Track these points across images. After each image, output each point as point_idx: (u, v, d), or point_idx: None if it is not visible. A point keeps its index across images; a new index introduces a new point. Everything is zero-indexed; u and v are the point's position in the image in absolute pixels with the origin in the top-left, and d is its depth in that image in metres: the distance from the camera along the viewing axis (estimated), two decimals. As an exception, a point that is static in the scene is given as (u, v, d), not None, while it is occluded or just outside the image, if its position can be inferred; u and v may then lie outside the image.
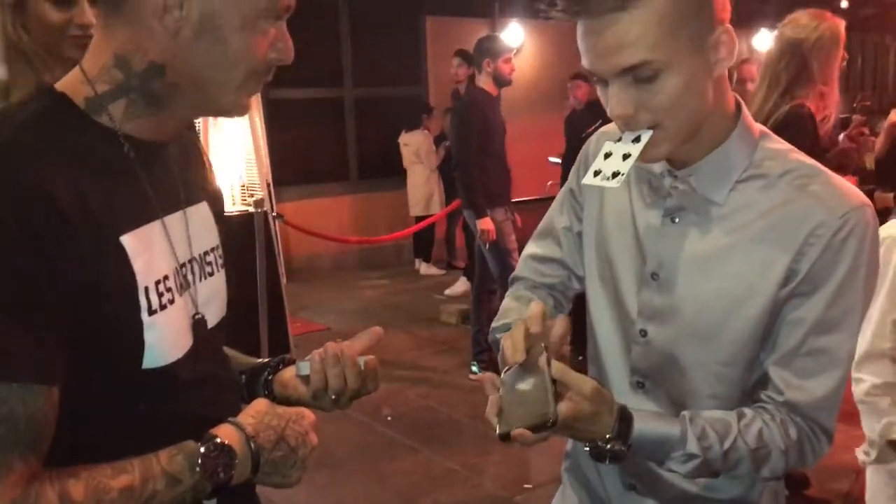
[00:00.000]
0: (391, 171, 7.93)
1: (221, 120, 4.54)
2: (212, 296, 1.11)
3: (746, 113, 1.22)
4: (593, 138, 1.41)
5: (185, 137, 1.16)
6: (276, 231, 4.78)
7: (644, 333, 1.27)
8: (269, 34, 0.97)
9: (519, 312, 1.33)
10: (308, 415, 1.06)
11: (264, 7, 0.95)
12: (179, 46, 0.94)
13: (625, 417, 1.13)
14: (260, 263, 4.45)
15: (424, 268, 8.03)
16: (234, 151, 4.64)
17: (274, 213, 4.71)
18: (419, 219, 7.49)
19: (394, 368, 5.05)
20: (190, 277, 1.06)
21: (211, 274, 1.11)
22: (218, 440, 0.96)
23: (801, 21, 2.92)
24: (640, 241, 1.27)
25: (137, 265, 0.94)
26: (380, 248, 8.06)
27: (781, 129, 2.78)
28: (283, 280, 4.97)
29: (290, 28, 1.04)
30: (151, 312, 0.96)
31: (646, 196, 1.27)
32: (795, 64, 2.87)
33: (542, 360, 1.09)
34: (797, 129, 2.76)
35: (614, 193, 1.30)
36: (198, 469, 0.94)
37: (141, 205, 0.98)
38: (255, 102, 4.49)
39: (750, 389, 1.23)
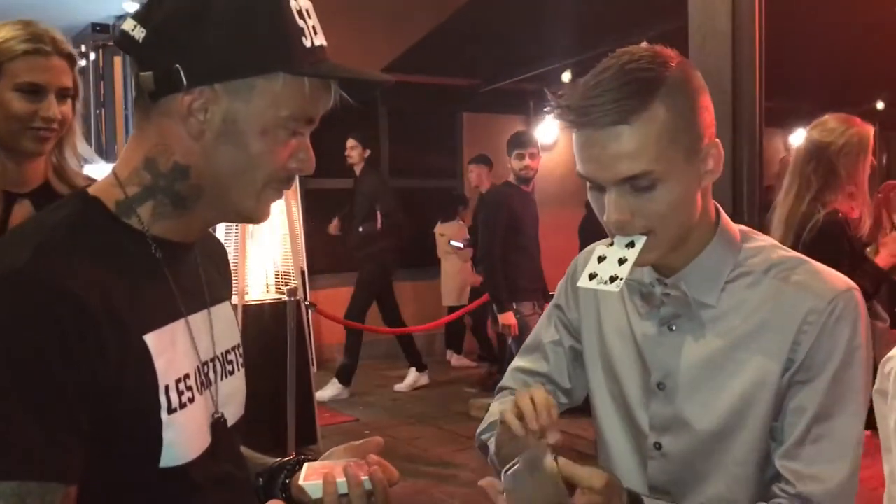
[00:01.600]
0: (426, 261, 7.97)
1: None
2: (232, 394, 1.11)
3: (725, 217, 1.27)
4: (580, 257, 1.44)
5: (210, 240, 1.19)
6: (308, 319, 4.78)
7: (659, 446, 1.26)
8: (289, 144, 0.99)
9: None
10: (354, 490, 1.03)
11: (285, 117, 0.97)
12: (203, 149, 0.97)
13: (635, 501, 1.15)
14: (290, 352, 4.44)
15: (455, 359, 7.96)
16: (271, 239, 4.70)
17: (307, 302, 4.72)
18: (451, 309, 7.48)
19: (421, 464, 4.94)
20: (211, 376, 1.06)
21: (231, 373, 1.12)
22: None
23: (829, 125, 2.96)
24: (642, 351, 1.28)
25: (159, 364, 0.95)
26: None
27: (819, 240, 2.79)
28: (314, 369, 4.95)
29: (330, 120, 1.06)
30: (171, 411, 0.96)
31: (639, 307, 1.30)
32: (823, 167, 2.90)
33: (549, 459, 1.07)
34: (833, 238, 2.81)
35: (610, 308, 1.34)
36: None
37: (166, 304, 1.00)
38: (294, 191, 4.57)
39: (765, 487, 1.21)
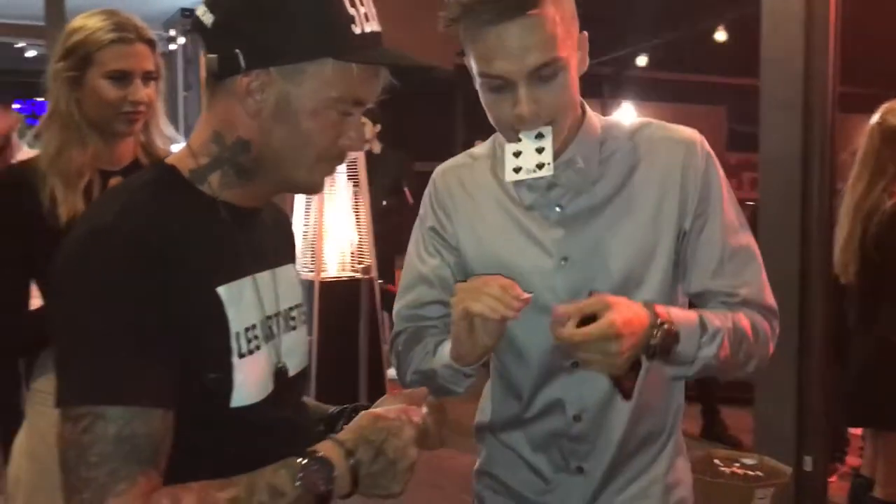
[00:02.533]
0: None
1: (337, 187, 4.77)
2: (294, 347, 1.21)
3: (585, 104, 1.39)
4: (437, 175, 1.50)
5: (275, 209, 1.30)
6: (381, 298, 4.91)
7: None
8: (340, 123, 1.09)
9: (425, 349, 1.39)
10: (408, 429, 1.08)
11: (334, 98, 1.06)
12: (260, 126, 1.07)
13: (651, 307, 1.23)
14: (363, 329, 4.58)
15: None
16: (347, 218, 4.82)
17: (380, 281, 4.85)
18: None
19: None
20: (275, 329, 1.17)
21: (294, 328, 1.22)
22: (317, 454, 1.03)
23: None
24: (537, 237, 1.36)
25: (230, 313, 1.07)
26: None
27: (888, 232, 2.66)
28: (386, 347, 5.08)
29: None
30: (241, 356, 1.07)
31: (524, 199, 1.37)
32: None
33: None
34: None
35: (485, 211, 1.41)
36: (298, 483, 1.00)
37: (235, 262, 1.11)
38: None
39: None
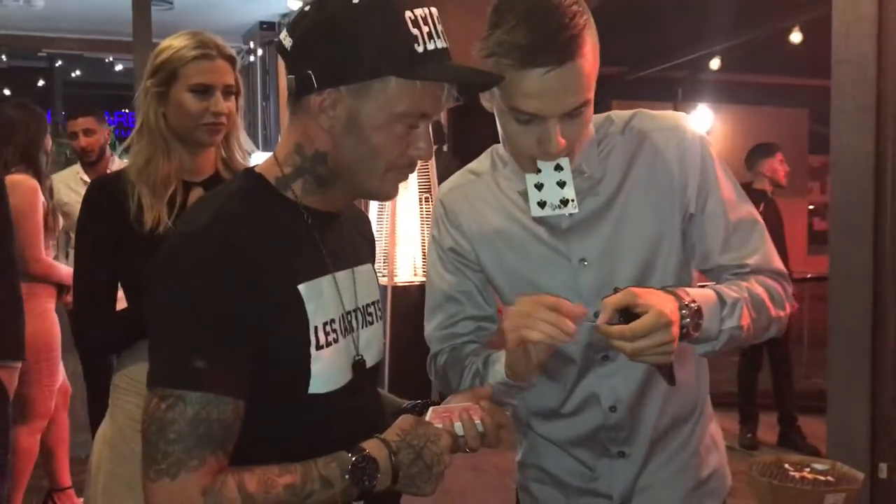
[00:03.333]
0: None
1: (409, 194, 4.86)
2: (371, 341, 1.31)
3: None
4: (443, 195, 1.53)
5: (356, 211, 1.40)
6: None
7: (598, 314, 1.32)
8: (407, 135, 1.17)
9: (473, 369, 1.42)
10: (445, 437, 1.19)
11: (399, 114, 1.15)
12: (333, 140, 1.18)
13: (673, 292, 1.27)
14: (435, 331, 4.65)
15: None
16: (417, 224, 4.91)
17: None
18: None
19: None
20: (354, 324, 1.27)
21: (371, 323, 1.32)
22: (366, 453, 1.14)
23: None
24: (552, 245, 1.41)
25: (310, 308, 1.17)
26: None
27: None
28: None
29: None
30: (318, 347, 1.18)
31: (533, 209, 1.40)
32: None
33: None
34: None
35: (498, 230, 1.45)
36: (347, 476, 1.12)
37: (316, 261, 1.21)
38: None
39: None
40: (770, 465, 2.77)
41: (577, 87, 1.26)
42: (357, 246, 1.34)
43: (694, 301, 1.26)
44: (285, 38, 1.18)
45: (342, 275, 1.25)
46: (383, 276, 4.63)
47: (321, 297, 1.19)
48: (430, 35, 1.15)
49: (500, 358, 1.36)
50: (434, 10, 1.17)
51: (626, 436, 1.46)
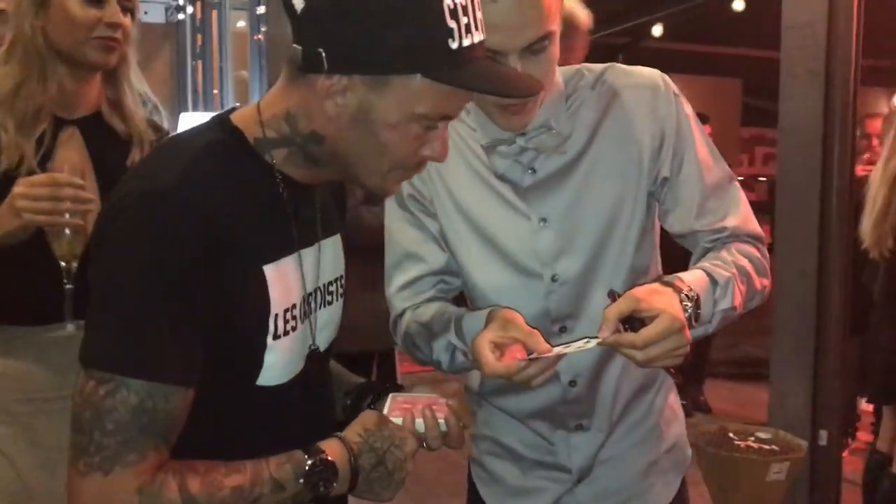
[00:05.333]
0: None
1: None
2: (328, 322, 1.18)
3: None
4: None
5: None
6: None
7: (555, 278, 1.33)
8: (422, 136, 1.02)
9: (442, 313, 1.36)
10: (410, 442, 1.09)
11: (419, 113, 0.98)
12: (337, 128, 1.01)
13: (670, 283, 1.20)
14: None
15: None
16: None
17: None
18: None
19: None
20: (313, 305, 1.14)
21: (330, 303, 1.19)
22: (324, 456, 1.02)
23: None
24: (513, 203, 1.34)
25: (274, 293, 1.03)
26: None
27: None
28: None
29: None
30: (276, 337, 1.04)
31: (496, 167, 1.35)
32: None
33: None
34: None
35: (459, 180, 1.37)
36: (301, 480, 1.01)
37: (285, 238, 1.07)
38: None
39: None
40: (714, 435, 2.76)
41: (535, 17, 1.15)
42: (328, 214, 1.19)
43: (691, 289, 1.19)
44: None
45: (308, 251, 1.11)
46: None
47: (286, 280, 1.06)
48: (467, 28, 0.97)
49: (472, 320, 1.28)
50: None
51: (586, 409, 1.40)
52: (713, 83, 10.21)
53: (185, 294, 0.94)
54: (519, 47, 1.16)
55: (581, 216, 1.33)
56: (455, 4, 0.95)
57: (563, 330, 1.36)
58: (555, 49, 1.22)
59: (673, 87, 1.36)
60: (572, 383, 1.38)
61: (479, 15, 0.99)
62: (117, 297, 0.95)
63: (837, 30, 2.69)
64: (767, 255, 1.38)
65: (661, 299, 1.13)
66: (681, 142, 1.34)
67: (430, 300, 1.43)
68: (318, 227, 1.15)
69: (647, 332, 1.10)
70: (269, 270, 1.03)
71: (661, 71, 1.37)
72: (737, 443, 2.68)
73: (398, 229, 1.43)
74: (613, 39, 8.04)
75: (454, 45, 0.95)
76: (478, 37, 0.99)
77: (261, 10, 6.50)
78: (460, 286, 1.45)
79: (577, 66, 1.38)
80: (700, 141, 1.36)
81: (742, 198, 1.38)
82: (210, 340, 0.98)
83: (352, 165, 1.04)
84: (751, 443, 2.68)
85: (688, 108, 1.36)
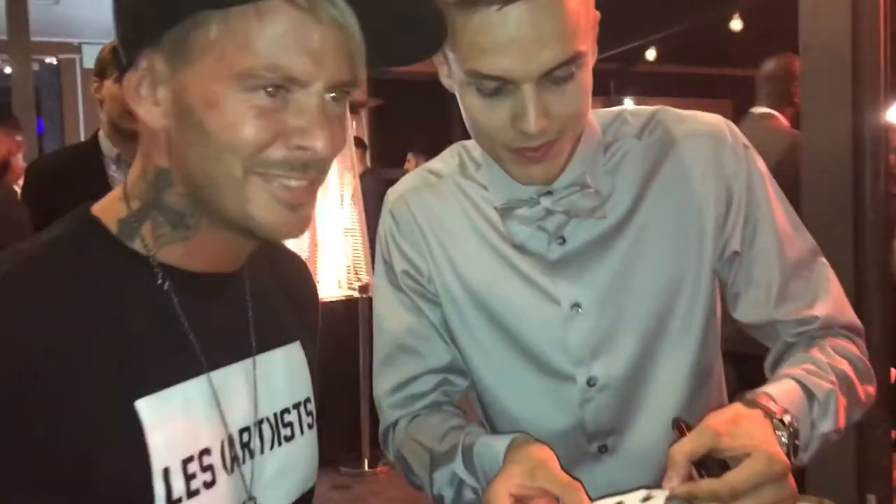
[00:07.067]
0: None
1: (330, 201, 4.46)
2: (287, 467, 0.87)
3: None
4: (394, 202, 1.13)
5: (284, 259, 0.96)
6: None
7: (592, 382, 1.04)
8: (273, 112, 0.72)
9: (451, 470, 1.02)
10: None
11: (237, 74, 0.71)
12: (167, 141, 0.75)
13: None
14: (363, 349, 4.31)
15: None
16: (342, 233, 4.56)
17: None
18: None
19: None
20: (254, 445, 0.83)
21: (289, 438, 0.88)
22: None
23: None
24: (536, 283, 1.04)
25: (155, 440, 0.73)
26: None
27: None
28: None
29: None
30: (173, 501, 0.73)
31: (514, 236, 1.05)
32: None
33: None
34: None
35: (465, 252, 1.08)
36: None
37: (175, 356, 0.77)
38: (356, 185, 4.46)
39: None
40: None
41: (557, 33, 0.87)
42: (270, 317, 0.89)
43: (786, 411, 0.89)
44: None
45: (229, 371, 0.81)
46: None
47: (181, 417, 0.76)
48: None
49: (486, 451, 0.96)
50: None
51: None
52: (703, 105, 10.06)
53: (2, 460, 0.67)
54: (535, 74, 0.88)
55: (626, 300, 1.04)
56: None
57: (602, 450, 1.06)
58: (587, 77, 0.94)
59: (742, 137, 1.08)
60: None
61: None
62: None
63: (863, 43, 2.44)
64: (867, 353, 1.09)
65: (749, 430, 0.84)
66: (753, 206, 1.06)
67: (429, 407, 1.13)
68: (252, 335, 0.85)
69: (734, 478, 0.80)
70: (146, 406, 0.73)
71: (650, 95, 1.07)
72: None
73: (390, 314, 1.14)
74: (604, 65, 7.88)
75: None
76: None
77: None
78: (468, 387, 1.15)
79: (618, 109, 1.11)
80: (777, 205, 1.08)
81: (832, 278, 1.11)
82: None
83: (205, 194, 0.75)
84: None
85: (761, 164, 1.09)
